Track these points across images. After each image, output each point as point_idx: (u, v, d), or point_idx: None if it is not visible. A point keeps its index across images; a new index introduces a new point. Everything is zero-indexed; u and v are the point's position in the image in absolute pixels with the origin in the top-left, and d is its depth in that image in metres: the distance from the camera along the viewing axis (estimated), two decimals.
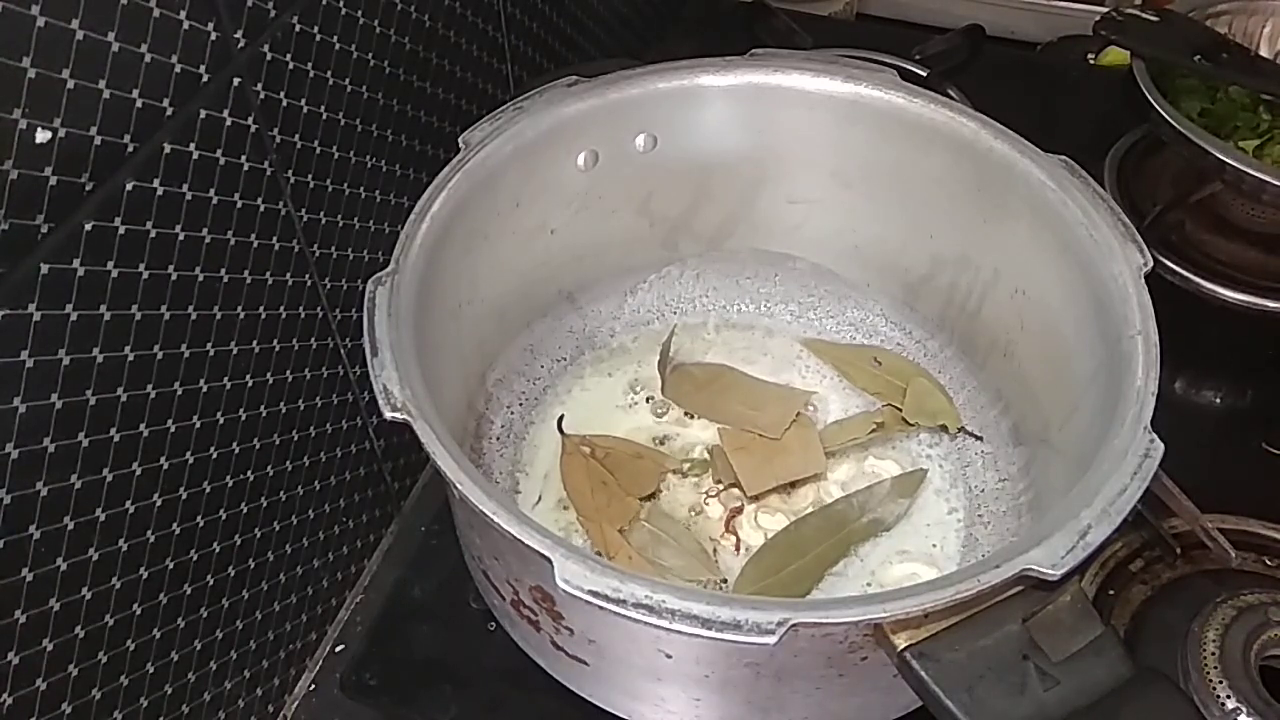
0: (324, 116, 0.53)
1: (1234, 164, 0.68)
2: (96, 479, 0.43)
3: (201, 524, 0.50)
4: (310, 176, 0.53)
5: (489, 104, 0.65)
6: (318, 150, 0.53)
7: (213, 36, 0.44)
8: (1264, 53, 0.79)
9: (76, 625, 0.44)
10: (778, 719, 0.48)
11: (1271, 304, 0.73)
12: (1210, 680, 0.52)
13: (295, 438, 0.56)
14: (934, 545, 0.59)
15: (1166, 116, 0.71)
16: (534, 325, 0.65)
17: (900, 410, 0.64)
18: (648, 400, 0.66)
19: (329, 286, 0.57)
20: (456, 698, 0.58)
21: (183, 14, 0.42)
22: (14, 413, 0.39)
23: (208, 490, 0.50)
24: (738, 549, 0.59)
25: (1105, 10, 0.82)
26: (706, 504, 0.61)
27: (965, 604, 0.41)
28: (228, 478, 0.52)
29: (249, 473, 0.53)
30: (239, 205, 0.48)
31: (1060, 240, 0.55)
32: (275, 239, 0.51)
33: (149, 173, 0.42)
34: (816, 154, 0.63)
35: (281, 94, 0.50)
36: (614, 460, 0.61)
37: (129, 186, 0.42)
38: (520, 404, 0.65)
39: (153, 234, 0.43)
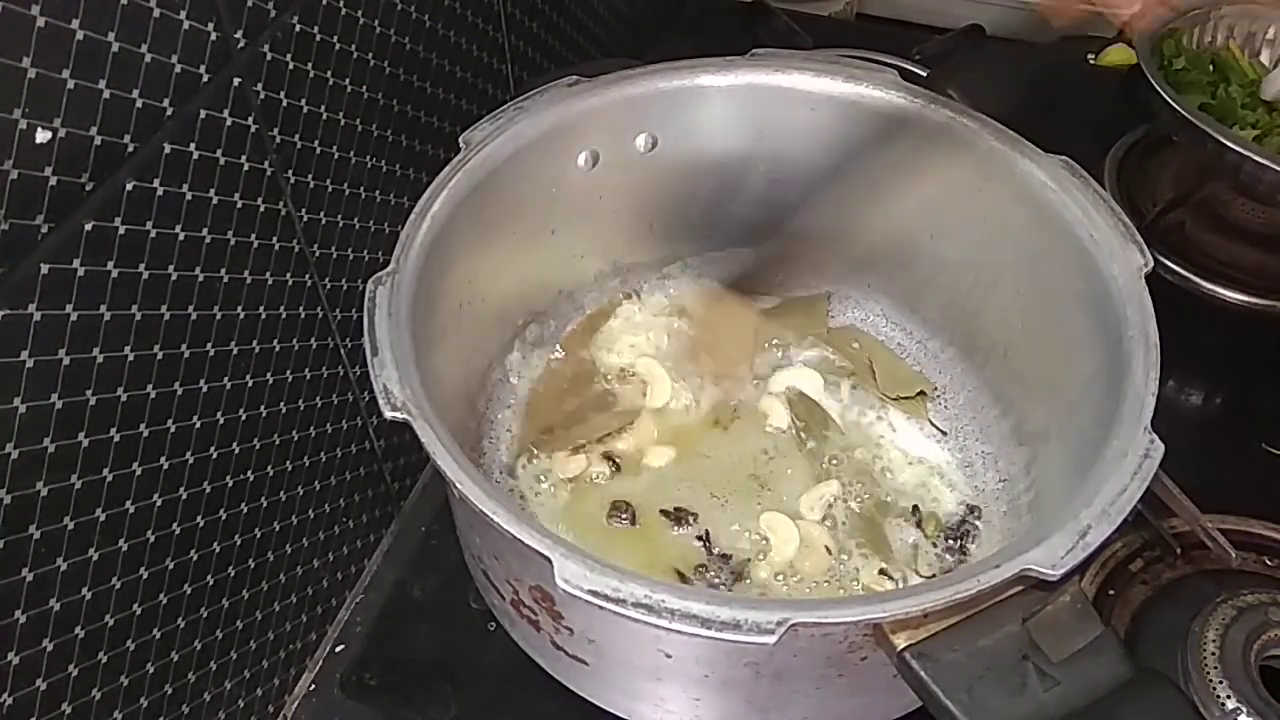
0: (324, 116, 0.53)
1: (1235, 147, 0.67)
2: (96, 479, 0.43)
3: (201, 524, 0.50)
4: (310, 176, 0.53)
5: (489, 104, 0.65)
6: (318, 150, 0.53)
7: (213, 36, 0.44)
8: (1264, 57, 0.79)
9: (76, 625, 0.44)
10: (778, 719, 0.48)
11: (1271, 304, 0.73)
12: (1210, 680, 0.52)
13: (295, 438, 0.56)
14: None
15: (1170, 101, 0.70)
16: (534, 325, 0.65)
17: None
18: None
19: (329, 286, 0.57)
20: (456, 698, 0.58)
21: (183, 14, 0.42)
22: (14, 413, 0.39)
23: (208, 490, 0.50)
24: None
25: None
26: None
27: (965, 604, 0.41)
28: (228, 478, 0.52)
29: (249, 473, 0.53)
30: (239, 205, 0.48)
31: (1060, 240, 0.55)
32: (275, 239, 0.51)
33: (149, 173, 0.42)
34: (816, 154, 0.63)
35: (281, 94, 0.50)
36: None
37: (129, 186, 0.42)
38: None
39: (153, 234, 0.43)
